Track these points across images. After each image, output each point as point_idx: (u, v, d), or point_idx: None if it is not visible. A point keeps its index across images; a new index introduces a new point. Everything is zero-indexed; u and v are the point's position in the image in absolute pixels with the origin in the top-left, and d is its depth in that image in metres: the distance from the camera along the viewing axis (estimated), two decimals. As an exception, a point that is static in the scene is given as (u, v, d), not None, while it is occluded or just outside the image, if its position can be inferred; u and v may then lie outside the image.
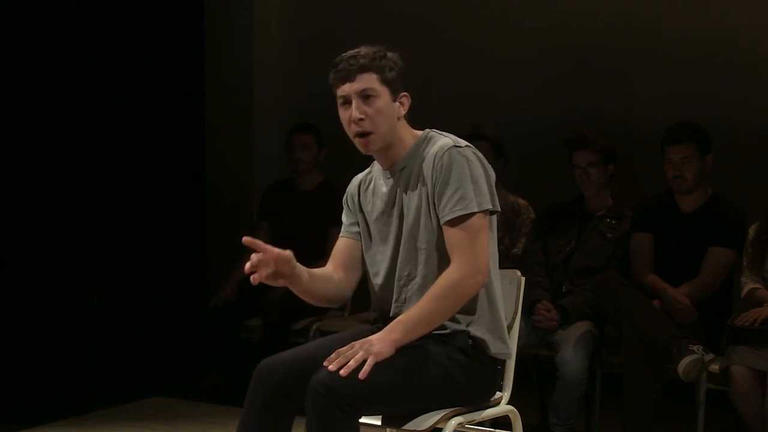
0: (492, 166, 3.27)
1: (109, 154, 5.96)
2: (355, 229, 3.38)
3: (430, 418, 3.14)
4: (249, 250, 3.08)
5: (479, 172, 3.17)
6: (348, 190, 3.44)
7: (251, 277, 3.08)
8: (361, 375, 2.96)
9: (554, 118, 6.01)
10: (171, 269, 6.22)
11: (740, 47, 5.73)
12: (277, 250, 3.10)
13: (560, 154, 5.19)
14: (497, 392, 3.38)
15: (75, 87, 5.80)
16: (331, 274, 3.35)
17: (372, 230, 3.34)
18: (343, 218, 3.43)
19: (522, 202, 5.28)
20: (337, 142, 6.34)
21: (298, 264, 3.18)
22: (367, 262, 3.36)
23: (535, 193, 5.40)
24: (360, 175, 3.45)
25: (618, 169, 5.09)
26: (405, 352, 3.10)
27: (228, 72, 6.78)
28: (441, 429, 3.16)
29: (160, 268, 6.17)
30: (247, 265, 3.07)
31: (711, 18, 5.80)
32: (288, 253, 3.12)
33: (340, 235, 3.42)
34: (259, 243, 3.08)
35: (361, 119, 3.20)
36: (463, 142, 3.22)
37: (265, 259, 3.08)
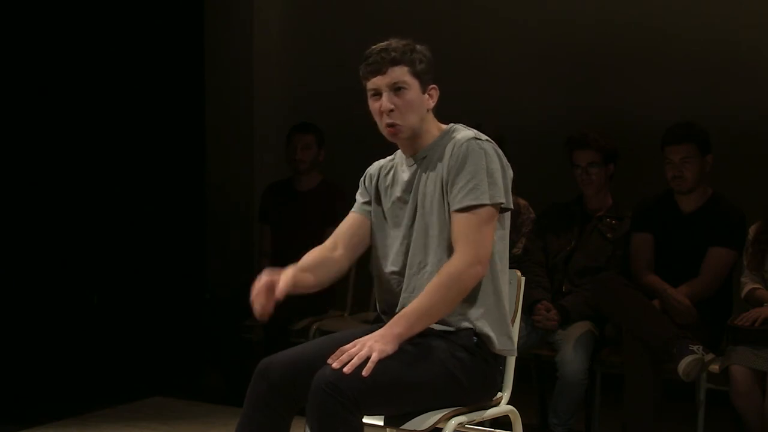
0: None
1: (110, 154, 5.96)
2: (368, 208, 3.39)
3: (430, 418, 3.13)
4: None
5: (496, 166, 3.19)
6: (367, 170, 3.45)
7: (259, 317, 3.19)
8: (365, 372, 2.97)
9: (554, 119, 6.01)
10: (171, 269, 6.22)
11: (741, 47, 5.73)
12: (274, 286, 3.18)
13: (560, 154, 5.19)
14: (498, 392, 3.38)
15: (75, 87, 5.80)
16: (326, 255, 3.37)
17: (387, 214, 3.35)
18: (357, 196, 3.44)
19: (522, 202, 5.28)
20: (337, 142, 6.33)
21: (295, 273, 3.24)
22: (378, 245, 3.36)
23: (535, 193, 5.39)
24: (382, 161, 3.46)
25: (618, 169, 5.09)
26: (409, 349, 3.10)
27: (228, 72, 6.78)
28: (441, 429, 3.16)
29: (160, 268, 6.17)
30: (260, 312, 3.18)
31: (712, 18, 5.79)
32: (277, 281, 3.18)
33: (352, 210, 3.43)
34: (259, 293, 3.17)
35: (392, 110, 3.22)
36: (484, 137, 3.24)
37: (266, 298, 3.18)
